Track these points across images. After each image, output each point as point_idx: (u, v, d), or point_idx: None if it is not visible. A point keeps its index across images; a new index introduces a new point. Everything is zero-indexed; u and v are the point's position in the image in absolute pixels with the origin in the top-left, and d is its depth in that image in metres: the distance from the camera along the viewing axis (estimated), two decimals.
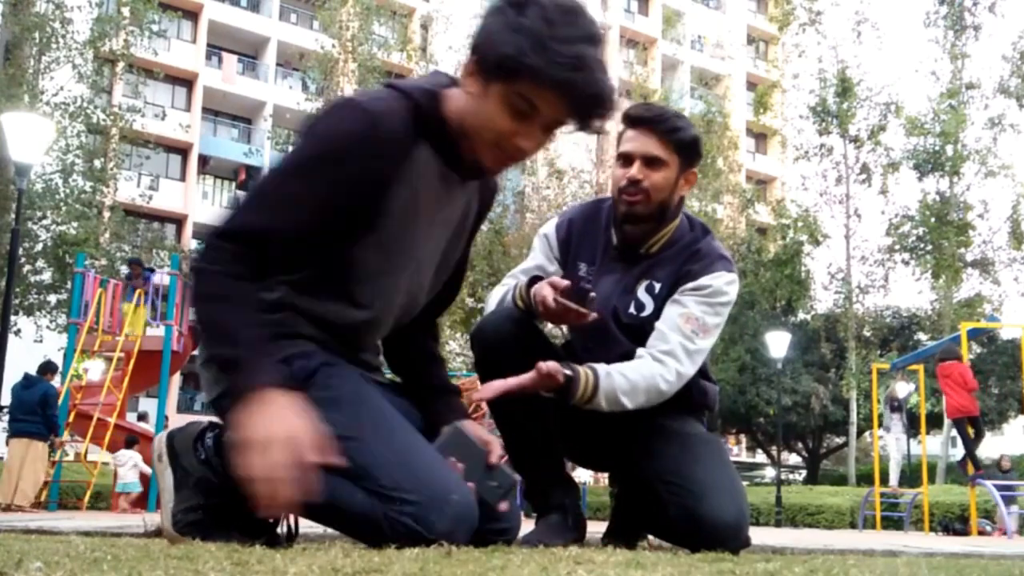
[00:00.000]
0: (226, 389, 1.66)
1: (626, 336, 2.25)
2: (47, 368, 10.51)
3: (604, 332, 2.25)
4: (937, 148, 23.90)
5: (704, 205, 25.77)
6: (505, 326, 2.22)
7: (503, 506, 1.80)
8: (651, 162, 2.20)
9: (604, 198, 2.41)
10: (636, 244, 2.28)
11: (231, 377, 1.58)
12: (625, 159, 2.23)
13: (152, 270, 13.34)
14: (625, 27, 39.94)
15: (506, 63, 1.59)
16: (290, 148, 1.72)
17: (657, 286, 2.25)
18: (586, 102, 1.62)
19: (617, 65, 38.04)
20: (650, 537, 2.46)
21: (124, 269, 19.56)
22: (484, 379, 2.17)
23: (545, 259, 2.40)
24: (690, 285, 2.21)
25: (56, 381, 10.76)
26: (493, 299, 2.37)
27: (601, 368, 2.09)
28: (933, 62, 25.06)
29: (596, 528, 2.55)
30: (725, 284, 2.23)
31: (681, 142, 2.21)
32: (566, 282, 2.06)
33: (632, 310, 2.26)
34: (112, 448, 11.66)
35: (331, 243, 1.71)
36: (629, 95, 26.56)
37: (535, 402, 2.16)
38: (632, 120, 2.25)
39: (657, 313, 2.23)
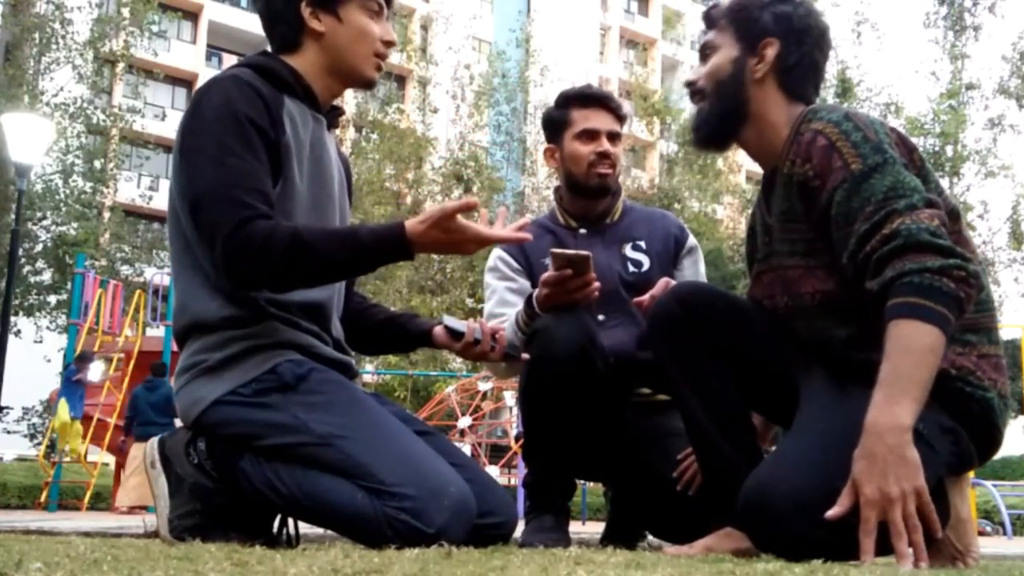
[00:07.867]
0: (206, 408, 1.75)
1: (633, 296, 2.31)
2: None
3: (615, 297, 2.32)
4: (937, 148, 23.89)
5: (704, 205, 25.77)
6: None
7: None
8: (613, 137, 2.44)
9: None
10: (603, 215, 2.48)
11: (380, 257, 1.73)
12: (591, 135, 2.41)
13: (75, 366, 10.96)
14: (625, 27, 39.95)
15: None
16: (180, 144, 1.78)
17: (643, 243, 2.44)
18: None
19: (617, 65, 38.08)
20: (650, 537, 2.46)
21: (124, 269, 19.53)
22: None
23: (510, 280, 2.42)
24: (690, 250, 2.49)
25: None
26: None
27: None
28: (933, 62, 25.03)
29: (596, 528, 2.55)
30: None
31: (624, 119, 2.50)
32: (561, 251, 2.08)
33: (632, 268, 2.41)
34: (112, 449, 11.63)
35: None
36: (629, 96, 26.56)
37: (571, 405, 2.15)
38: (585, 99, 2.45)
39: (653, 267, 2.39)
